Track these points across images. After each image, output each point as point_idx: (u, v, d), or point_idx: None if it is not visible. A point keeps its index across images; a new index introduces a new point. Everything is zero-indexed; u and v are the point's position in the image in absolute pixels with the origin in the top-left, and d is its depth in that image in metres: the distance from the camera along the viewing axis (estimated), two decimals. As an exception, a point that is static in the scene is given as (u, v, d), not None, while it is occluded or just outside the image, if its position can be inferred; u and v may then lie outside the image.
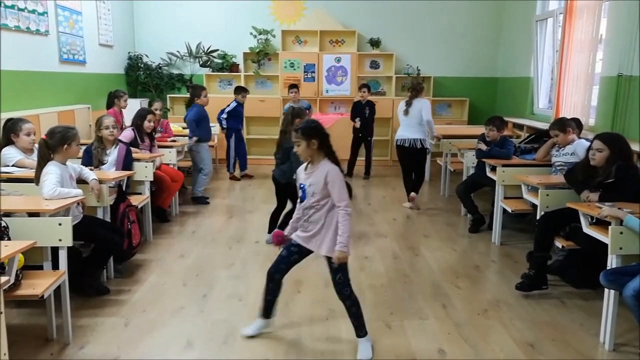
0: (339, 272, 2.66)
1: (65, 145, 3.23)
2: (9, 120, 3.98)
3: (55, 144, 3.21)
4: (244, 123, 7.32)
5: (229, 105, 6.90)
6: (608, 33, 5.46)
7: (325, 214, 2.65)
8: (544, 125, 5.77)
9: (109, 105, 6.12)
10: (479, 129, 6.54)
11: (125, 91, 6.45)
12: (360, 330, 2.74)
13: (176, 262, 4.05)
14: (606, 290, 2.81)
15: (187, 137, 5.88)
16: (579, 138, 4.24)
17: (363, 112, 7.23)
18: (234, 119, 6.98)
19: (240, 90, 7.02)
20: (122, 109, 6.16)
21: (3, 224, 2.53)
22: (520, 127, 7.12)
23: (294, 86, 7.34)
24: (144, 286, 3.58)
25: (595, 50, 5.74)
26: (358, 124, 7.19)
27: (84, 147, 4.12)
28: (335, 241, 2.59)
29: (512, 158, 4.69)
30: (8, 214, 2.78)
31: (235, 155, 7.16)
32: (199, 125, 5.87)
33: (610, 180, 3.29)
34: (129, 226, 3.72)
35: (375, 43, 8.41)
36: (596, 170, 3.38)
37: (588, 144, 3.65)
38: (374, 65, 8.63)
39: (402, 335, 2.93)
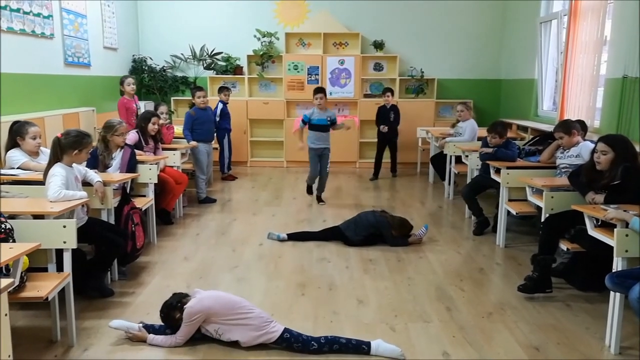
0: (291, 344, 2.73)
1: (76, 151, 3.24)
2: (15, 122, 4.00)
3: (67, 146, 3.23)
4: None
5: (216, 108, 6.95)
6: (613, 34, 5.44)
7: (229, 330, 2.76)
8: (549, 128, 5.75)
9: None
10: (483, 132, 6.54)
11: (128, 75, 6.37)
12: (360, 350, 2.73)
13: (180, 265, 4.06)
14: (612, 293, 2.79)
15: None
16: (584, 140, 4.22)
17: (388, 117, 7.35)
18: (224, 119, 7.06)
19: (221, 90, 7.14)
20: (131, 94, 6.16)
21: (8, 226, 2.54)
22: (524, 129, 7.10)
23: (320, 90, 5.90)
24: (148, 288, 3.58)
25: (600, 52, 5.72)
26: (385, 129, 7.31)
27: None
28: (248, 333, 2.73)
29: (516, 160, 4.67)
30: (13, 216, 2.79)
31: (229, 155, 7.28)
32: (194, 128, 5.92)
33: (615, 182, 3.28)
34: (133, 228, 3.72)
35: (379, 45, 8.41)
36: (601, 173, 3.37)
37: (593, 145, 3.64)
38: (378, 67, 8.63)
39: (406, 338, 2.91)
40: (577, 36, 6.10)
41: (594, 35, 5.78)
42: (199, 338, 2.81)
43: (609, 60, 5.48)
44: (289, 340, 2.73)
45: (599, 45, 5.72)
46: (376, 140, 7.61)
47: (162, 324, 2.88)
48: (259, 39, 8.33)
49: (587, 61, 5.94)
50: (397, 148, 7.66)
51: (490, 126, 4.96)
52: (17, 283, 2.41)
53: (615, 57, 5.31)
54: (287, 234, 4.64)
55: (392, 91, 7.42)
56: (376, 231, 4.53)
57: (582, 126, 4.40)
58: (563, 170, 4.12)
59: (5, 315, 1.79)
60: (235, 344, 2.77)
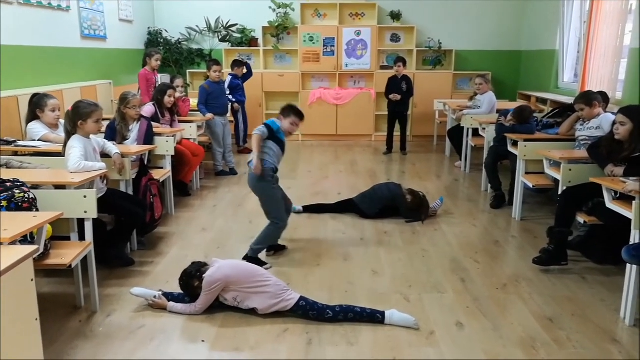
0: (307, 312, 2.79)
1: (81, 121, 3.27)
2: (34, 95, 4.06)
3: (74, 118, 3.27)
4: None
5: (225, 81, 6.94)
6: (638, 4, 5.26)
7: (247, 298, 2.82)
8: (569, 100, 5.63)
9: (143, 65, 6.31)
10: (502, 104, 6.45)
11: (158, 50, 6.49)
12: (375, 319, 2.77)
13: (198, 235, 4.13)
14: (628, 265, 2.78)
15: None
16: (605, 112, 4.14)
17: (400, 88, 7.00)
18: (236, 91, 7.04)
19: (234, 65, 7.10)
20: (155, 69, 6.26)
21: (31, 195, 2.61)
22: (544, 101, 6.97)
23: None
24: (167, 258, 3.66)
25: (624, 22, 5.55)
26: (398, 98, 6.96)
27: (106, 123, 4.18)
28: (266, 301, 2.79)
29: (534, 133, 4.61)
30: (36, 187, 2.86)
31: (245, 128, 7.31)
32: (208, 102, 5.96)
33: (636, 155, 3.23)
34: (151, 199, 3.79)
35: (395, 16, 8.26)
36: (621, 145, 3.31)
37: (614, 117, 3.57)
38: (395, 38, 8.49)
39: (420, 308, 2.95)
40: (601, 5, 5.92)
41: (619, 5, 5.61)
42: (217, 306, 2.88)
43: (634, 30, 5.31)
44: (305, 308, 2.79)
45: (624, 14, 5.54)
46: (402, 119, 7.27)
47: (181, 292, 2.96)
48: (274, 10, 8.23)
49: (610, 31, 5.77)
50: (407, 123, 7.38)
51: (516, 109, 4.82)
52: (41, 250, 2.49)
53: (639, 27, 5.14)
54: (303, 207, 4.68)
55: (404, 61, 7.05)
56: (392, 204, 4.54)
57: (603, 98, 4.31)
58: (582, 142, 4.06)
59: (32, 280, 1.86)
60: (252, 312, 2.83)
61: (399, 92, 7.01)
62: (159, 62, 6.29)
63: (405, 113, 7.25)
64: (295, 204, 4.71)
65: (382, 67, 8.42)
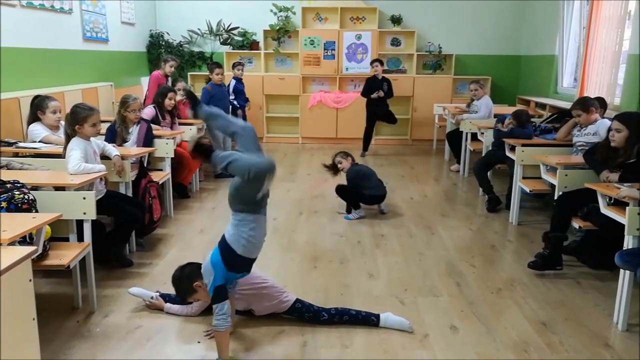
0: (303, 314, 2.81)
1: (78, 125, 3.30)
2: (36, 97, 4.10)
3: (71, 122, 3.30)
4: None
5: (229, 85, 6.95)
6: (637, 9, 5.29)
7: (244, 299, 2.83)
8: (568, 105, 5.66)
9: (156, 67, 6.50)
10: (501, 109, 6.48)
11: (175, 58, 6.60)
12: (370, 321, 2.80)
13: (196, 237, 4.16)
14: (621, 270, 2.80)
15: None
16: (603, 118, 4.16)
17: (381, 88, 7.06)
18: (238, 96, 7.07)
19: (234, 65, 7.11)
20: (168, 75, 6.35)
21: (31, 197, 2.64)
22: (542, 106, 7.00)
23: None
24: (165, 260, 3.69)
25: (623, 28, 5.58)
26: (382, 94, 7.02)
27: (106, 125, 4.21)
28: (262, 303, 2.82)
29: (532, 138, 4.64)
30: (35, 188, 2.89)
31: None
32: (210, 104, 5.97)
33: (631, 161, 3.25)
34: (150, 201, 3.82)
35: (396, 20, 8.30)
36: (616, 151, 3.34)
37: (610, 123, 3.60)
38: (395, 42, 8.53)
39: (415, 312, 2.97)
40: (601, 11, 5.95)
41: (618, 10, 5.64)
42: (214, 307, 2.90)
43: (632, 36, 5.34)
44: (301, 310, 2.81)
45: (623, 20, 5.57)
46: (389, 117, 7.33)
47: None
48: (275, 13, 8.28)
49: (609, 36, 5.80)
50: (394, 118, 7.33)
51: (514, 113, 4.86)
52: (40, 251, 2.52)
53: (638, 33, 5.17)
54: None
55: (381, 62, 7.21)
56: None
57: (601, 103, 4.34)
58: (579, 148, 4.08)
59: (30, 280, 1.88)
60: (248, 313, 2.86)
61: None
62: (172, 69, 6.39)
63: (387, 110, 7.24)
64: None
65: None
